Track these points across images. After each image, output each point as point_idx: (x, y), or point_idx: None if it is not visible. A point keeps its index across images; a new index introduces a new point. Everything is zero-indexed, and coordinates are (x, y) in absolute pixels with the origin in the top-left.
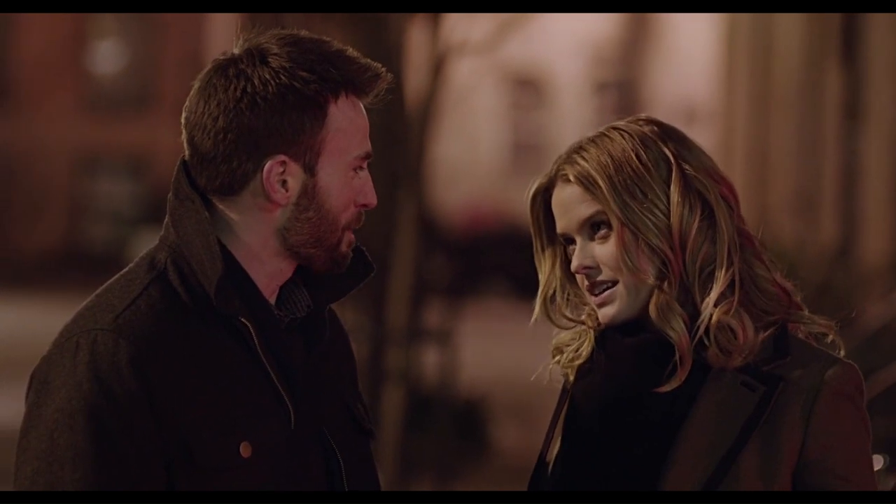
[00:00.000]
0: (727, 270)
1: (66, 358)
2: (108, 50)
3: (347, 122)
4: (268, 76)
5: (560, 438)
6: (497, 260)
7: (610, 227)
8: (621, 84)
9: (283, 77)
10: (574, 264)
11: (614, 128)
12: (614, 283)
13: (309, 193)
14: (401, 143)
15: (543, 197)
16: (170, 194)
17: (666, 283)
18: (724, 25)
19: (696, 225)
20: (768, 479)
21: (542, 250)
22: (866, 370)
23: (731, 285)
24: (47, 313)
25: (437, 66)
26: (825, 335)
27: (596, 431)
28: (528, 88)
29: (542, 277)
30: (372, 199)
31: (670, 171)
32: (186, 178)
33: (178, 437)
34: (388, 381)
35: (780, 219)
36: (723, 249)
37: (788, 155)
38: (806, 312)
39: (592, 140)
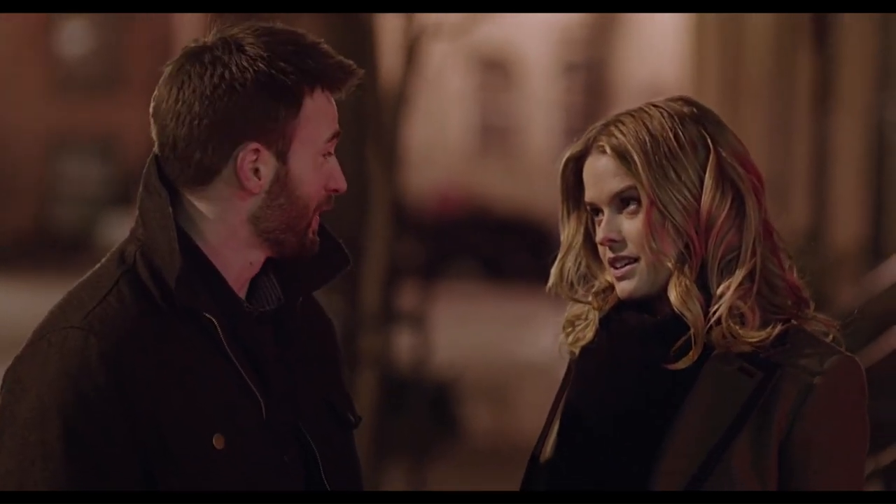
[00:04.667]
0: (749, 261)
1: (37, 356)
2: (77, 31)
3: (319, 113)
4: (245, 63)
5: (561, 416)
6: (467, 242)
7: (639, 203)
8: (590, 66)
9: (260, 65)
10: (600, 236)
11: (653, 105)
12: (636, 259)
13: (281, 181)
14: (374, 126)
15: (575, 164)
16: (140, 187)
17: (687, 267)
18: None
19: (725, 212)
20: (759, 461)
21: (567, 216)
22: None
23: (748, 275)
24: (16, 294)
25: (411, 50)
26: (827, 334)
27: (597, 411)
28: (496, 70)
29: (563, 242)
30: (342, 184)
31: (707, 154)
32: (157, 171)
33: (152, 430)
34: (362, 365)
35: None
36: (748, 240)
37: (759, 140)
38: (811, 310)
39: (630, 114)
